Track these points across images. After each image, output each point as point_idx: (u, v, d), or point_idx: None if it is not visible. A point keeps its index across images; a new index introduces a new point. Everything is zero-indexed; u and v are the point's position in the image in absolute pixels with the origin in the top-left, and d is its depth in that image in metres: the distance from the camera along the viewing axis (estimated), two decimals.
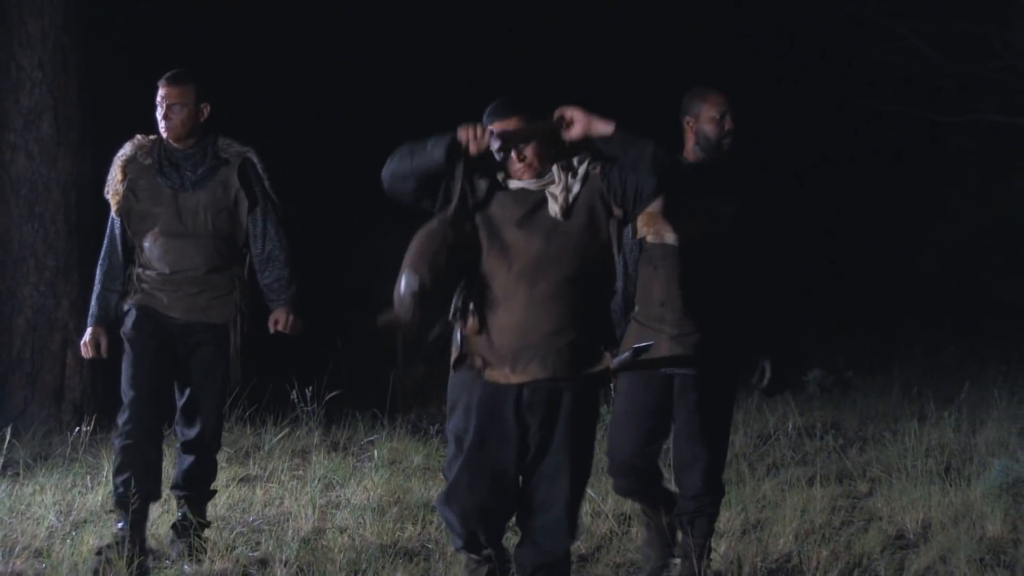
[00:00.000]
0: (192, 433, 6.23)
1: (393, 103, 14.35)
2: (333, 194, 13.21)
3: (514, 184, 4.97)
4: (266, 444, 8.65)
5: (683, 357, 5.59)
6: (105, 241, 6.25)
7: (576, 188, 4.96)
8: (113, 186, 6.16)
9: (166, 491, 6.38)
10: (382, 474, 7.78)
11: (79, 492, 7.25)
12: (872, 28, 15.67)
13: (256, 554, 6.33)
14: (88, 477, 6.96)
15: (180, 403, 6.24)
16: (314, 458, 8.29)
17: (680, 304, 5.58)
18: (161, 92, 6.13)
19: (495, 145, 4.86)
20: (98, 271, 6.24)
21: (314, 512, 6.98)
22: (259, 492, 7.49)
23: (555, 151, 4.95)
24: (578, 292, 4.94)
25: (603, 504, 7.09)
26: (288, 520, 6.89)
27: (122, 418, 6.05)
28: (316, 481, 7.64)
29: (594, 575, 6.10)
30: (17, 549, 6.18)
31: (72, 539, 6.23)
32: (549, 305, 4.89)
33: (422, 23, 14.10)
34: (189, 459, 6.25)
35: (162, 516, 6.54)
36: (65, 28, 9.43)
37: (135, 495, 5.93)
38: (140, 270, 6.17)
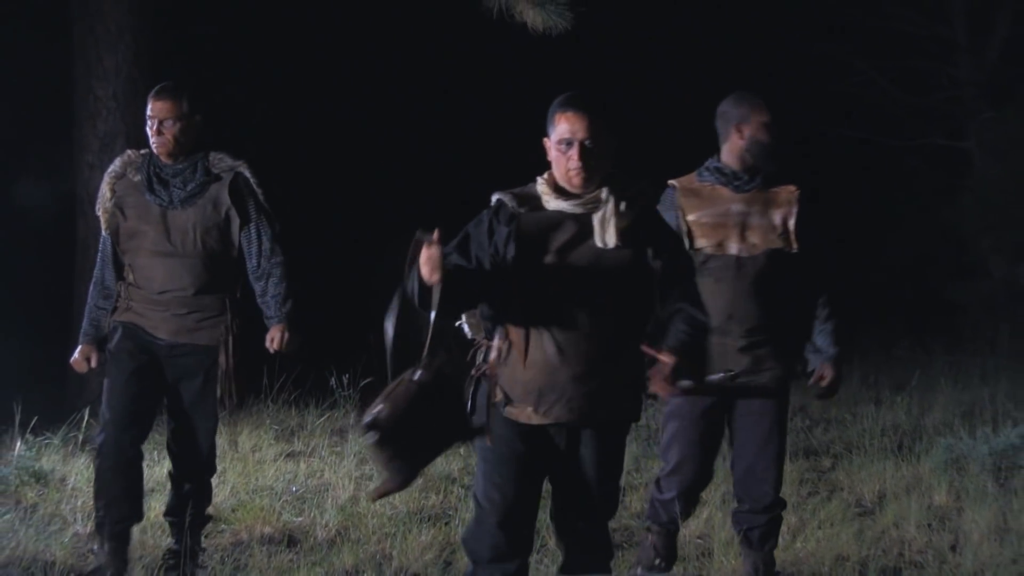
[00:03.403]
0: (185, 459, 5.40)
1: (425, 109, 14.46)
2: (365, 200, 13.27)
3: (554, 205, 4.02)
4: (309, 424, 8.66)
5: (751, 367, 4.95)
6: (98, 258, 5.44)
7: (628, 214, 4.00)
8: (102, 203, 5.32)
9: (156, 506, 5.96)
10: None
11: (147, 465, 7.19)
12: (836, 64, 15.71)
13: (300, 519, 6.33)
14: (155, 452, 6.95)
15: (171, 427, 5.41)
16: (350, 436, 8.28)
17: (748, 315, 4.91)
18: (152, 107, 5.25)
19: (562, 138, 3.98)
20: (91, 288, 5.45)
21: (350, 483, 6.97)
22: (302, 466, 7.49)
23: (603, 170, 4.02)
24: (613, 332, 4.01)
25: None
26: (328, 490, 6.89)
27: (99, 439, 5.31)
28: (352, 456, 7.64)
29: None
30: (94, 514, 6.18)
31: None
32: (581, 345, 3.97)
33: (438, 34, 14.14)
34: (183, 485, 5.41)
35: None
36: (136, 63, 9.46)
37: (115, 520, 5.27)
38: (128, 288, 5.32)
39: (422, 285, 3.79)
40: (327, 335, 11.37)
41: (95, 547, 5.38)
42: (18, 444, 7.21)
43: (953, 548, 5.77)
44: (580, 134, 3.96)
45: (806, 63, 15.43)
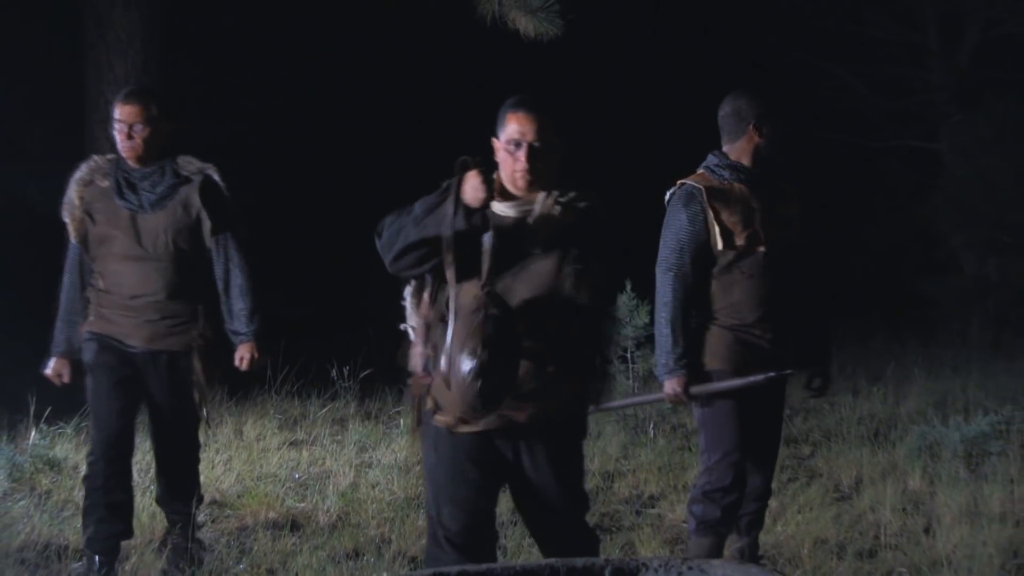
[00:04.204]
0: (169, 457, 5.17)
1: (423, 110, 14.47)
2: (364, 199, 13.26)
3: (495, 207, 3.69)
4: (311, 414, 8.65)
5: (782, 361, 4.73)
6: (65, 269, 5.12)
7: (560, 220, 3.71)
8: (70, 210, 4.99)
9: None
10: (407, 439, 7.76)
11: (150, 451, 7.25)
12: (816, 70, 15.75)
13: (302, 505, 6.33)
14: None
15: (151, 429, 5.18)
16: (351, 425, 8.30)
17: (777, 311, 4.69)
18: (121, 112, 4.94)
19: (511, 138, 3.71)
20: (62, 298, 5.12)
21: (351, 470, 6.97)
22: (305, 454, 7.48)
23: (550, 175, 3.75)
24: (540, 338, 3.64)
25: (590, 463, 7.08)
26: (329, 477, 6.88)
27: (90, 459, 5.06)
28: (352, 444, 7.65)
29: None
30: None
31: (150, 492, 6.21)
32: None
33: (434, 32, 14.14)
34: (169, 478, 5.21)
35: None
36: (144, 69, 9.45)
37: (105, 536, 5.02)
38: (99, 294, 5.00)
39: (467, 208, 3.58)
40: (328, 329, 11.38)
41: (81, 562, 5.14)
42: (32, 433, 7.20)
43: (927, 531, 5.77)
44: (529, 135, 3.71)
45: (786, 69, 15.45)
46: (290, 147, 14.46)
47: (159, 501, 5.32)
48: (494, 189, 3.63)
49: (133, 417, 5.11)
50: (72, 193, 5.01)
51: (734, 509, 4.78)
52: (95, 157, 5.11)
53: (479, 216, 3.62)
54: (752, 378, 4.67)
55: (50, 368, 5.15)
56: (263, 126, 13.88)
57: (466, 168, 3.61)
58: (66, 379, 5.16)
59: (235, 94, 13.41)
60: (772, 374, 4.70)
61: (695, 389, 4.66)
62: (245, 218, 5.14)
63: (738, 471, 4.72)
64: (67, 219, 5.01)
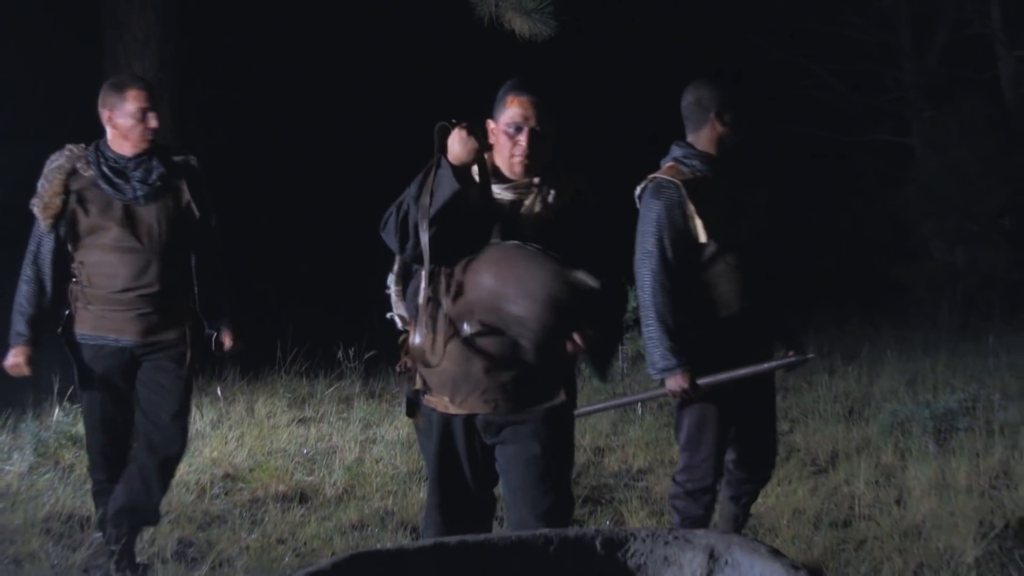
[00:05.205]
0: (154, 443, 4.72)
1: (409, 98, 14.45)
2: (367, 191, 13.26)
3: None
4: (318, 393, 8.65)
5: (771, 348, 4.57)
6: (29, 258, 4.63)
7: (555, 205, 3.57)
8: (49, 199, 4.53)
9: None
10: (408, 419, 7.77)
11: None
12: (795, 68, 15.75)
13: (310, 478, 6.34)
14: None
15: (140, 423, 4.76)
16: (356, 404, 8.30)
17: (763, 300, 4.44)
18: (138, 97, 4.57)
19: (512, 121, 3.54)
20: (25, 289, 4.63)
21: (356, 446, 6.98)
22: (313, 430, 7.49)
23: (545, 159, 3.59)
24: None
25: (582, 439, 7.09)
26: (336, 452, 6.89)
27: (90, 454, 4.81)
28: (358, 422, 7.66)
29: (574, 495, 6.07)
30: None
31: None
32: (494, 334, 3.46)
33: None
34: (137, 481, 4.72)
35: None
36: (160, 69, 9.44)
37: (119, 526, 4.74)
38: (83, 288, 4.60)
39: (455, 168, 3.38)
40: (335, 312, 11.38)
41: (108, 545, 4.81)
42: (56, 411, 7.20)
43: (898, 502, 5.79)
44: (532, 120, 3.52)
45: (768, 67, 15.45)
46: (296, 142, 14.46)
47: (118, 512, 4.72)
48: (486, 139, 3.45)
49: (129, 416, 4.81)
50: (54, 182, 4.56)
51: (714, 503, 4.60)
52: (70, 146, 4.67)
53: (472, 173, 3.44)
54: (767, 364, 4.46)
55: (11, 358, 4.66)
56: (271, 123, 13.87)
57: (446, 132, 3.42)
58: (29, 370, 4.68)
59: (246, 93, 13.40)
60: (793, 359, 4.53)
61: (703, 381, 4.33)
62: (215, 206, 4.86)
63: (718, 471, 4.52)
64: (39, 208, 4.56)
